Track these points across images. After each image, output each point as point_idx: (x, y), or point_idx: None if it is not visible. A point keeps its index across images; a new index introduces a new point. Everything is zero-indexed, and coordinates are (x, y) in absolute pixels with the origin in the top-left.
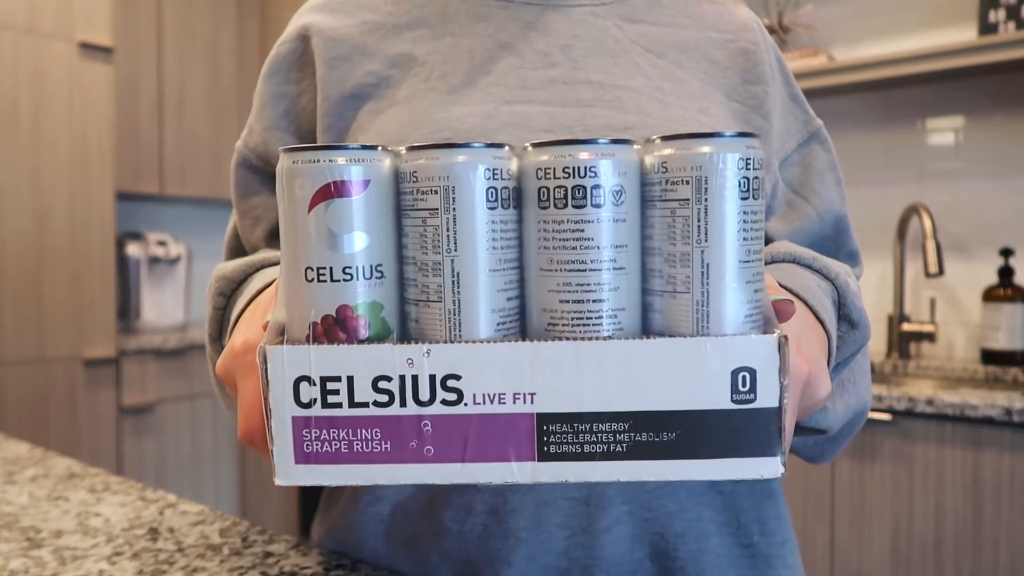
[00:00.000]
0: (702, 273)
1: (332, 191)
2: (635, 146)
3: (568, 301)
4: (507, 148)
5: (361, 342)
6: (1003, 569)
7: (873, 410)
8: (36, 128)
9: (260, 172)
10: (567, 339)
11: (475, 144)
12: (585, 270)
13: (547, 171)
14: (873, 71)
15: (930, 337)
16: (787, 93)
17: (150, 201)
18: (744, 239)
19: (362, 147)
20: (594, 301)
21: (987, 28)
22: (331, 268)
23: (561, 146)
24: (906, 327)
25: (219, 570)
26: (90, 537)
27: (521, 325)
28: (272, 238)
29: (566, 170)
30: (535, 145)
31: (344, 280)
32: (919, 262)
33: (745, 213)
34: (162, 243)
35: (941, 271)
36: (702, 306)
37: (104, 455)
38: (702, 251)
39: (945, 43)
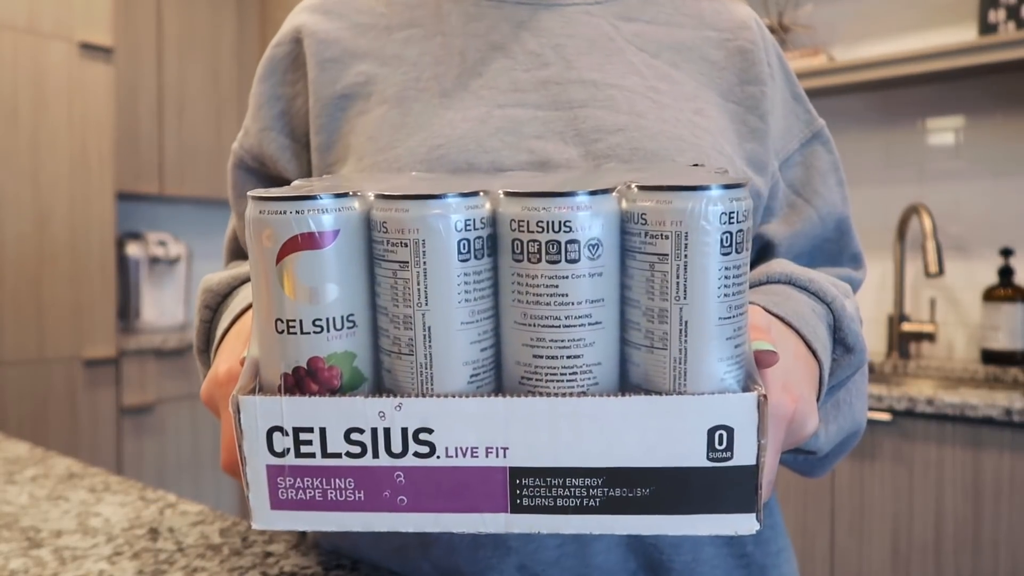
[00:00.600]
0: (680, 331)
1: (300, 243)
2: (614, 194)
3: (542, 356)
4: (481, 195)
5: (333, 392)
6: (1003, 569)
7: (873, 410)
8: (36, 128)
9: (256, 174)
10: (541, 394)
11: (448, 195)
12: (559, 326)
13: (520, 224)
14: (873, 71)
15: (930, 337)
16: (788, 92)
17: (150, 201)
18: (725, 295)
19: (333, 196)
20: (569, 357)
21: (987, 28)
22: (301, 321)
23: (535, 198)
24: (906, 327)
25: (219, 570)
26: (90, 537)
27: (496, 374)
28: None
29: (540, 224)
30: (508, 194)
31: (315, 332)
32: (919, 262)
33: (727, 269)
34: (162, 243)
35: (941, 271)
36: (680, 363)
37: (104, 455)
38: (680, 308)
39: (945, 43)
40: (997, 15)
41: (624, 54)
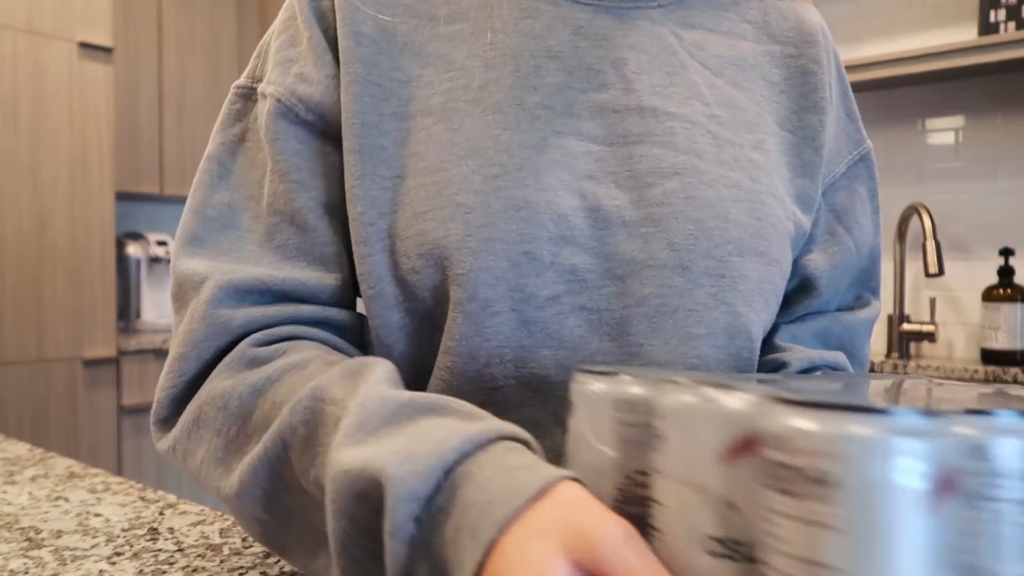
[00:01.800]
0: None
1: (957, 485)
2: None
3: None
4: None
5: None
6: None
7: None
8: (36, 128)
9: (311, 128)
10: None
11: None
12: None
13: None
14: (873, 71)
15: (930, 337)
16: (843, 110)
17: (150, 201)
18: None
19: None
20: None
21: (987, 28)
22: None
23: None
24: (906, 327)
25: (219, 570)
26: (90, 537)
27: None
28: (328, 211)
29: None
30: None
31: None
32: (919, 262)
33: None
34: (162, 243)
35: (941, 271)
36: None
37: (104, 455)
38: None
39: (945, 43)
40: (997, 15)
41: (687, 72)
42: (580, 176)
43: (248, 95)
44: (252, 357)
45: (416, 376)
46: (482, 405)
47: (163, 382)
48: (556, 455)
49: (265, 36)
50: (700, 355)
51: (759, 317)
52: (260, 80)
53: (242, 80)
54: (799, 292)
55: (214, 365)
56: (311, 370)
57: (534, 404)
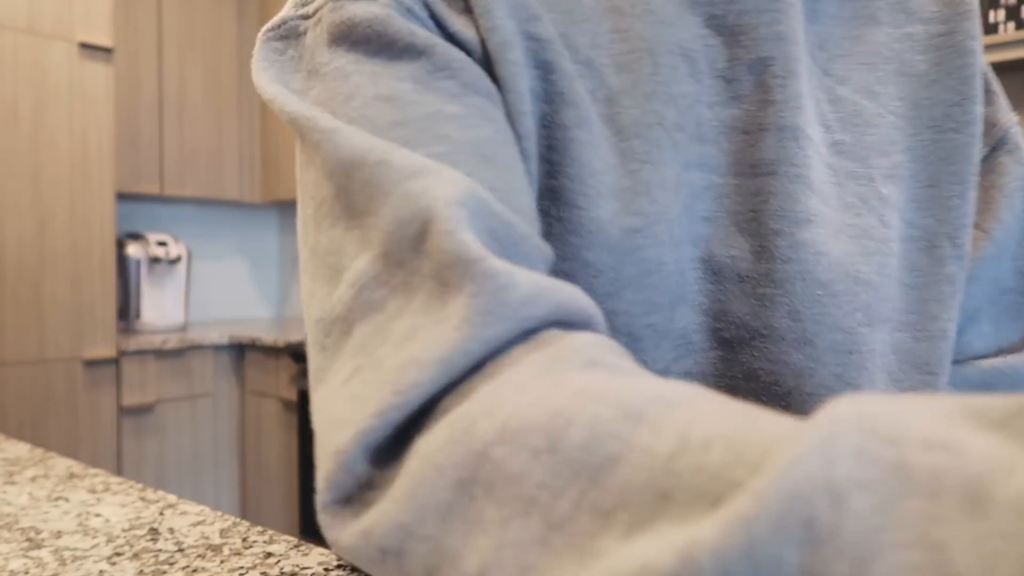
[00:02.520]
0: None
1: None
2: None
3: None
4: None
5: None
6: None
7: None
8: (36, 128)
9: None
10: None
11: None
12: None
13: None
14: None
15: None
16: (984, 96)
17: (150, 201)
18: None
19: None
20: None
21: (987, 28)
22: None
23: None
24: None
25: (219, 570)
26: (90, 538)
27: None
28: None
29: None
30: None
31: None
32: None
33: None
34: (162, 243)
35: None
36: None
37: (104, 455)
38: None
39: None
40: (997, 15)
41: (812, 78)
42: (698, 219)
43: None
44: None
45: None
46: None
47: (382, 404)
48: None
49: None
50: None
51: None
52: None
53: None
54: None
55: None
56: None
57: None
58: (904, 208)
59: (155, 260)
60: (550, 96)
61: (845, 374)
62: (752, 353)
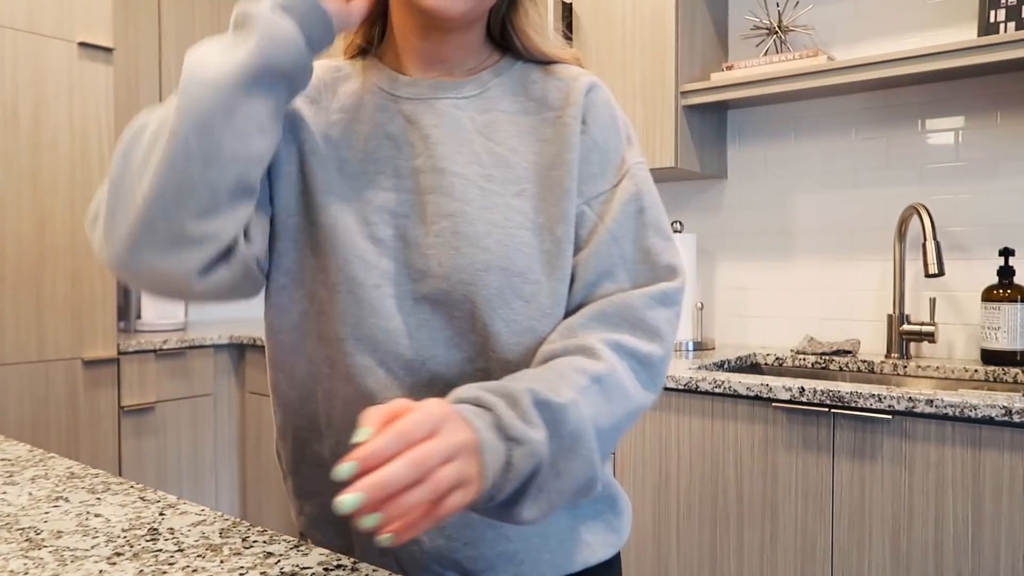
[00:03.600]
0: None
1: None
2: None
3: None
4: None
5: None
6: (1003, 569)
7: (873, 410)
8: (36, 128)
9: None
10: None
11: None
12: None
13: None
14: (873, 71)
15: (930, 337)
16: (607, 146)
17: None
18: None
19: None
20: None
21: (987, 28)
22: None
23: None
24: (906, 327)
25: (219, 570)
26: (90, 538)
27: None
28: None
29: None
30: None
31: None
32: (919, 262)
33: None
34: None
35: (941, 271)
36: None
37: (104, 455)
38: None
39: (945, 43)
40: (997, 15)
41: (472, 144)
42: (397, 215)
43: None
44: None
45: None
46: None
47: None
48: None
49: None
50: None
51: (497, 313)
52: None
53: None
54: (572, 285)
55: None
56: None
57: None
58: (528, 212)
59: None
60: (305, 159)
61: (469, 295)
62: (424, 283)
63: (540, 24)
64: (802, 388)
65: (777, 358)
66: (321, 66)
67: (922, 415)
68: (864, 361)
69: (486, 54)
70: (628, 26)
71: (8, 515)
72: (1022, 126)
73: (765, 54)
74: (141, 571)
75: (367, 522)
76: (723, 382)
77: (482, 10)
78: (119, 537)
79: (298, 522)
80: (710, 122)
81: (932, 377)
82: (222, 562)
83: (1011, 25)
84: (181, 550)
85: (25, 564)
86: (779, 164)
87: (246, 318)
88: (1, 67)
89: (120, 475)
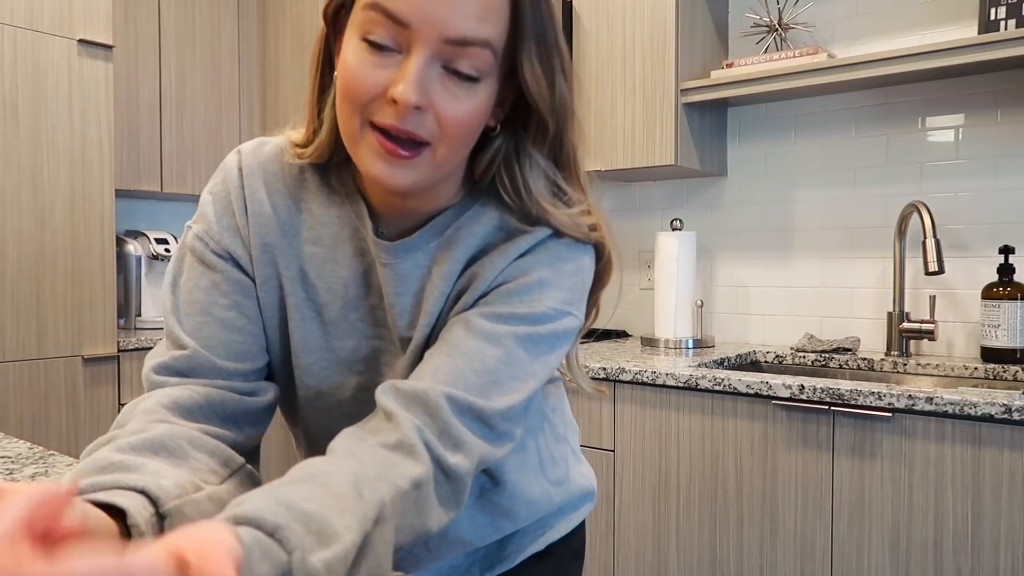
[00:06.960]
0: None
1: None
2: None
3: None
4: None
5: None
6: (1003, 568)
7: (873, 407)
8: (36, 127)
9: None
10: None
11: None
12: None
13: None
14: (873, 68)
15: (930, 335)
16: (504, 265)
17: (150, 199)
18: None
19: None
20: None
21: (988, 25)
22: None
23: None
24: (906, 325)
25: None
26: None
27: None
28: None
29: None
30: None
31: None
32: (919, 260)
33: None
34: (162, 241)
35: (941, 269)
36: None
37: None
38: None
39: (945, 40)
40: (998, 12)
41: (424, 286)
42: (381, 365)
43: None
44: None
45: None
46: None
47: None
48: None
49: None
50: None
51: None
52: None
53: None
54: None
55: None
56: None
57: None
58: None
59: (155, 258)
60: (282, 290)
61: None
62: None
63: (546, 184)
64: (802, 386)
65: (777, 356)
66: (283, 171)
67: (922, 413)
68: (864, 359)
69: (462, 188)
70: (628, 24)
71: None
72: (1022, 124)
73: (765, 52)
74: None
75: None
76: (723, 380)
77: (432, 183)
78: None
79: None
80: (710, 120)
81: (932, 375)
82: None
83: (1011, 23)
84: None
85: None
86: (779, 162)
87: None
88: (1, 64)
89: None
